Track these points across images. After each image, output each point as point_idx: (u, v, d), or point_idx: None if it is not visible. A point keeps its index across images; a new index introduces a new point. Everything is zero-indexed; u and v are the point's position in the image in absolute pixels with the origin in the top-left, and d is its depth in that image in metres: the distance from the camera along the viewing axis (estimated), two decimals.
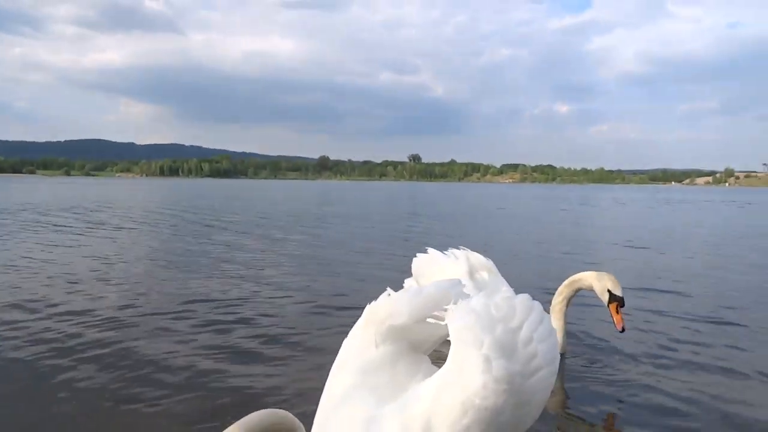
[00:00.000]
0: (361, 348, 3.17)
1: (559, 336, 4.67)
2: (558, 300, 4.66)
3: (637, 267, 8.96)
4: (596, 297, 4.36)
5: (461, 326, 2.76)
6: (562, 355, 4.65)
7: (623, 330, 4.20)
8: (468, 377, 2.59)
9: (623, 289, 4.28)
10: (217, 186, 67.26)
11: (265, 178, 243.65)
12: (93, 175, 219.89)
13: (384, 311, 3.14)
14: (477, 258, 5.54)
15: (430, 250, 5.45)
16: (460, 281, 3.07)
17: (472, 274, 5.27)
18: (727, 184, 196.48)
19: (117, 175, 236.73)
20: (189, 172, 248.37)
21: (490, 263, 5.46)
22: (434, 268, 5.33)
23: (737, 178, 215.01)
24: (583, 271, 4.59)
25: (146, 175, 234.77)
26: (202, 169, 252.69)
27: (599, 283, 4.32)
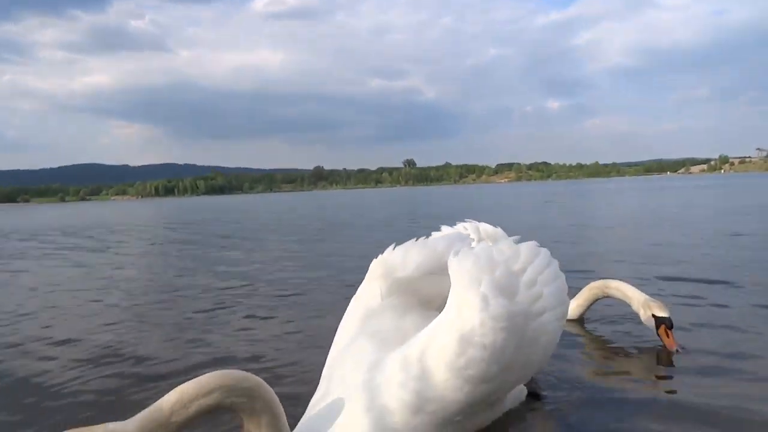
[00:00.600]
0: (368, 300, 3.12)
1: (579, 309, 4.70)
2: (585, 293, 4.64)
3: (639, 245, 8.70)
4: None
5: (461, 269, 2.68)
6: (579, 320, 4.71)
7: (678, 351, 3.79)
8: (465, 316, 2.51)
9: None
10: (215, 204, 66.87)
11: (261, 192, 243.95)
12: (88, 200, 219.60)
13: (389, 264, 3.12)
14: (486, 228, 5.56)
15: (443, 226, 5.41)
16: (468, 236, 2.98)
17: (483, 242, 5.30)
18: (722, 171, 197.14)
19: (112, 198, 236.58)
20: (185, 191, 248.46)
21: (499, 231, 5.47)
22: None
23: (732, 164, 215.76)
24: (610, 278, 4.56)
25: (141, 197, 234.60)
26: (197, 187, 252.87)
27: (644, 311, 4.02)
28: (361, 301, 3.16)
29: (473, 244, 2.93)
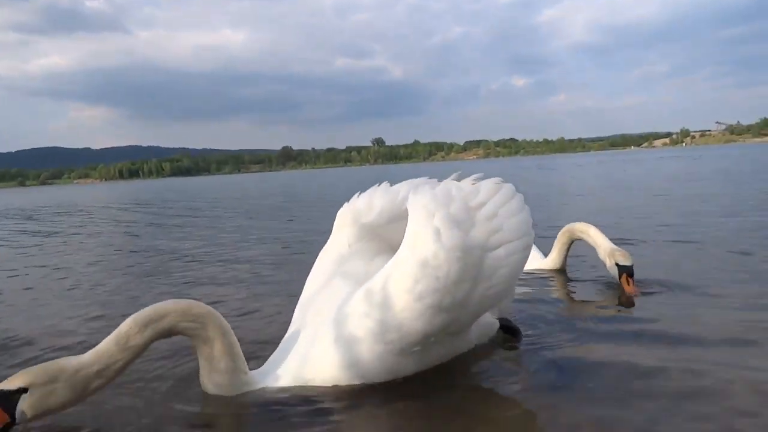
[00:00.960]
0: (337, 247, 3.21)
1: (559, 257, 4.90)
2: (559, 239, 4.84)
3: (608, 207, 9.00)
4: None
5: (417, 204, 2.78)
6: (562, 270, 4.89)
7: (636, 296, 3.96)
8: (419, 248, 2.62)
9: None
10: (183, 185, 65.62)
11: (229, 173, 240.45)
12: (50, 184, 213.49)
13: (354, 211, 3.20)
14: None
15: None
16: (435, 180, 3.09)
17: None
18: (684, 144, 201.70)
19: (75, 181, 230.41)
20: (150, 173, 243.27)
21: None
22: None
23: (693, 137, 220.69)
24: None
25: (105, 180, 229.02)
26: (162, 169, 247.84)
27: (609, 260, 4.18)
28: (331, 248, 3.24)
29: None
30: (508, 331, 3.26)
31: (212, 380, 2.57)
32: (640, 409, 2.26)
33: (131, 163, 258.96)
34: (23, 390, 2.20)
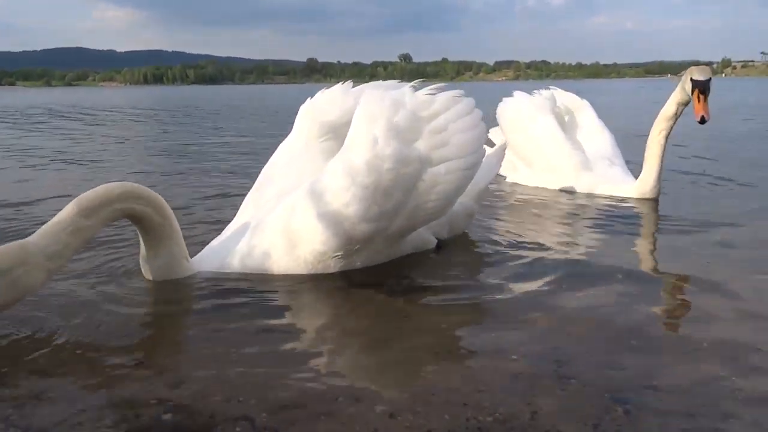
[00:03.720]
0: (294, 143, 3.21)
1: (652, 176, 4.46)
2: (654, 133, 4.41)
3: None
4: None
5: (364, 108, 2.75)
6: (655, 199, 4.50)
7: (702, 120, 3.94)
8: (354, 153, 2.64)
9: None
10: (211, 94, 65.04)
11: (253, 83, 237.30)
12: (75, 85, 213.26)
13: (316, 108, 3.17)
14: (566, 96, 5.38)
15: (516, 92, 5.34)
16: (408, 85, 2.95)
17: (558, 113, 5.18)
18: (723, 75, 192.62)
19: (100, 84, 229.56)
20: (173, 80, 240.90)
21: (584, 103, 5.34)
22: (515, 109, 5.22)
23: (734, 68, 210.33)
24: None
25: (130, 84, 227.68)
26: (187, 76, 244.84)
27: (683, 84, 4.13)
28: (288, 143, 3.23)
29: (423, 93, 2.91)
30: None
31: (154, 264, 2.68)
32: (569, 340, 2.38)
33: (155, 68, 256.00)
34: None
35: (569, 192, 4.91)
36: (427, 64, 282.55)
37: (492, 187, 5.22)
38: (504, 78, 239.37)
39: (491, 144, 4.11)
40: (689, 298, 2.68)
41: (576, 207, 4.48)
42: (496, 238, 3.59)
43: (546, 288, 2.75)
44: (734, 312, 2.46)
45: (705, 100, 3.89)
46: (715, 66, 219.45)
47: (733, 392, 1.81)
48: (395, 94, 2.81)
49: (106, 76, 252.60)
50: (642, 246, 3.66)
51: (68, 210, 2.36)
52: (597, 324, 2.33)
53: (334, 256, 2.73)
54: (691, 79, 4.03)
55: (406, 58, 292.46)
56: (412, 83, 2.99)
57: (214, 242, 2.99)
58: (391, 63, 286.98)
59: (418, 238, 3.10)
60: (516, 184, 5.39)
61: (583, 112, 5.30)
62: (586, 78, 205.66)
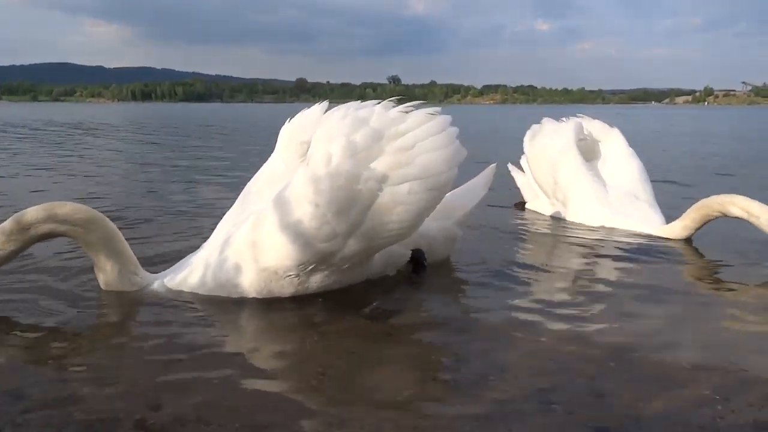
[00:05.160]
0: (273, 164, 3.21)
1: (686, 228, 4.05)
2: (695, 213, 3.99)
3: None
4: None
5: (326, 124, 2.73)
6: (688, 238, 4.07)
7: None
8: (308, 172, 2.61)
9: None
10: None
11: (242, 101, 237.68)
12: (62, 101, 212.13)
13: (295, 128, 3.15)
14: (595, 124, 5.19)
15: (545, 119, 5.29)
16: (381, 103, 2.89)
17: (585, 142, 5.04)
18: (705, 103, 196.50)
19: (88, 100, 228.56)
20: (162, 96, 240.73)
21: (613, 131, 5.11)
22: (539, 138, 5.16)
23: (716, 96, 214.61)
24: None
25: (117, 100, 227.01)
26: (175, 93, 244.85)
27: (735, 208, 3.67)
28: (267, 165, 3.22)
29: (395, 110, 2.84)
30: (416, 264, 3.18)
31: (100, 276, 2.77)
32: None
33: (144, 85, 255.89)
34: None
35: (584, 225, 4.66)
36: (415, 86, 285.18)
37: (506, 212, 5.24)
38: (491, 101, 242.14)
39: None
40: (674, 324, 2.69)
41: (584, 240, 4.24)
42: (485, 260, 3.60)
43: (529, 313, 2.75)
44: (718, 338, 2.49)
45: None
46: (697, 94, 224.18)
47: (714, 420, 1.81)
48: (362, 112, 2.77)
49: (94, 92, 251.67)
50: (637, 276, 3.41)
51: (5, 224, 2.58)
52: (581, 350, 2.33)
53: (287, 276, 2.66)
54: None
55: (395, 80, 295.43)
56: (390, 99, 2.95)
57: (187, 258, 2.98)
58: (380, 84, 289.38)
59: (387, 254, 3.02)
60: (534, 212, 5.33)
61: (612, 140, 5.11)
62: (571, 103, 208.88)
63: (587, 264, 3.68)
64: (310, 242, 2.55)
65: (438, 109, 2.88)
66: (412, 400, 1.94)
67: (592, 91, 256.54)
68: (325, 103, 3.08)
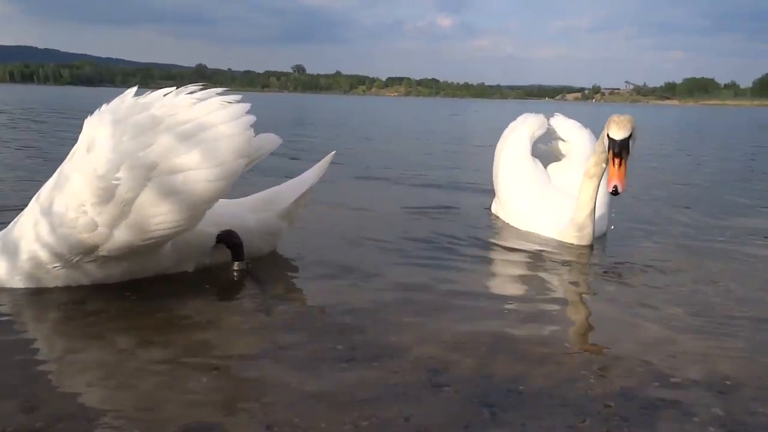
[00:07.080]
0: None
1: (585, 214, 3.70)
2: (590, 164, 3.63)
3: None
4: None
5: (96, 114, 2.63)
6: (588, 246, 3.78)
7: (615, 191, 3.26)
8: (71, 160, 2.57)
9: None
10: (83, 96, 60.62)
11: (138, 87, 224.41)
12: None
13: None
14: (567, 124, 4.75)
15: (521, 116, 4.83)
16: (171, 90, 2.74)
17: (553, 144, 4.81)
18: (593, 100, 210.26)
19: None
20: (46, 79, 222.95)
21: (582, 133, 4.66)
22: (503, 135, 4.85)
23: (603, 94, 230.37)
24: None
25: None
26: (61, 76, 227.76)
27: (602, 138, 3.44)
28: None
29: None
30: (231, 248, 3.04)
31: None
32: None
33: (24, 66, 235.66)
34: None
35: (503, 221, 4.53)
36: (320, 76, 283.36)
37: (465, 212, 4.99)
38: (396, 93, 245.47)
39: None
40: (559, 313, 2.87)
41: (492, 236, 4.18)
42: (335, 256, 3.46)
43: (423, 297, 2.86)
44: (596, 325, 2.75)
45: (621, 164, 3.22)
46: (586, 92, 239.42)
47: (587, 392, 1.98)
48: (147, 98, 2.67)
49: None
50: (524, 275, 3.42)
51: None
52: (472, 335, 2.45)
53: (54, 267, 2.61)
54: (608, 137, 3.33)
55: (299, 69, 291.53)
56: (193, 85, 2.81)
57: None
58: (284, 73, 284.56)
59: (183, 243, 2.88)
60: (489, 212, 4.91)
61: (579, 142, 4.63)
62: (472, 97, 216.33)
63: (485, 258, 3.73)
64: (70, 233, 2.49)
65: (238, 97, 2.76)
66: (303, 381, 1.96)
67: (491, 87, 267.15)
68: (134, 89, 2.83)
